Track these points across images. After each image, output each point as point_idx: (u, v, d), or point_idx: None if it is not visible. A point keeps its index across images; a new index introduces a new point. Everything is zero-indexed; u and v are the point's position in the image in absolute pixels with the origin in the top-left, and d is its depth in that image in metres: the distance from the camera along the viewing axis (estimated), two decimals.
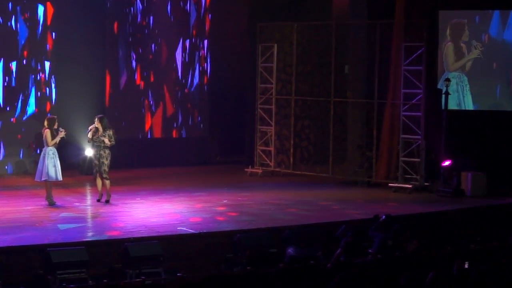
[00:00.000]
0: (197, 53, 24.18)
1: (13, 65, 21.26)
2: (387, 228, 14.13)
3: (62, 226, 15.05)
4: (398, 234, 13.95)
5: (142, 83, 23.14)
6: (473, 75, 21.69)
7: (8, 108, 21.33)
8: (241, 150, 23.88)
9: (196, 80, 24.23)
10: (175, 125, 23.93)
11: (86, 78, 21.60)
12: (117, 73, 22.66)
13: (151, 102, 23.34)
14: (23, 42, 21.36)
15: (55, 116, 17.30)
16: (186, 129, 24.17)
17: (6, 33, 21.16)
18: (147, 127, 23.42)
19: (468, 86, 21.73)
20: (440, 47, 21.74)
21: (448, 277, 9.65)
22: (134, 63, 22.91)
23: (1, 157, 21.30)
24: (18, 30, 21.29)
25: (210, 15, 24.33)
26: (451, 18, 21.72)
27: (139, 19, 22.95)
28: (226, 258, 14.30)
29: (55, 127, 16.82)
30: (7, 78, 21.20)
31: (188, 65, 24.04)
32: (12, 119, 21.38)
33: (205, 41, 24.36)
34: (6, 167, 21.26)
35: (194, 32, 24.07)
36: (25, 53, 21.41)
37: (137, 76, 23.03)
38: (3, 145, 21.33)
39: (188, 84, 24.09)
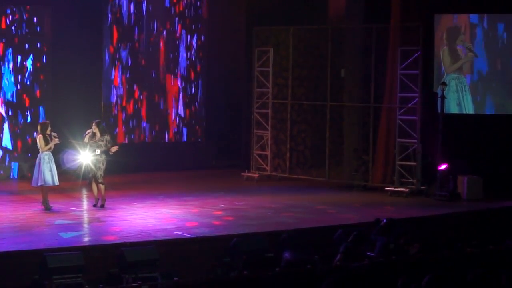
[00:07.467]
0: (193, 57, 24.18)
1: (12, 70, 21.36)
2: (389, 232, 14.09)
3: (58, 231, 15.03)
4: (399, 238, 13.91)
5: (137, 87, 23.15)
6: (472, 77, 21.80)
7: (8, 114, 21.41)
8: (237, 154, 23.87)
9: (192, 85, 24.22)
10: (171, 129, 23.92)
11: (82, 83, 21.58)
12: (112, 77, 22.66)
13: (147, 106, 23.33)
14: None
15: (48, 121, 17.23)
16: (182, 133, 24.15)
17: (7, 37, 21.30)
18: (143, 131, 23.40)
19: (467, 87, 21.80)
20: (437, 51, 21.75)
21: (444, 280, 9.65)
22: (125, 70, 22.94)
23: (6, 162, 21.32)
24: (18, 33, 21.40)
25: (205, 20, 24.33)
26: (447, 22, 21.74)
27: (131, 22, 23.02)
28: (222, 262, 14.28)
29: (48, 132, 16.76)
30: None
31: (184, 70, 24.03)
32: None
33: (202, 46, 24.36)
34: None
35: (190, 37, 24.08)
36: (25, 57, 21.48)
37: (132, 82, 23.07)
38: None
39: (185, 89, 24.08)
